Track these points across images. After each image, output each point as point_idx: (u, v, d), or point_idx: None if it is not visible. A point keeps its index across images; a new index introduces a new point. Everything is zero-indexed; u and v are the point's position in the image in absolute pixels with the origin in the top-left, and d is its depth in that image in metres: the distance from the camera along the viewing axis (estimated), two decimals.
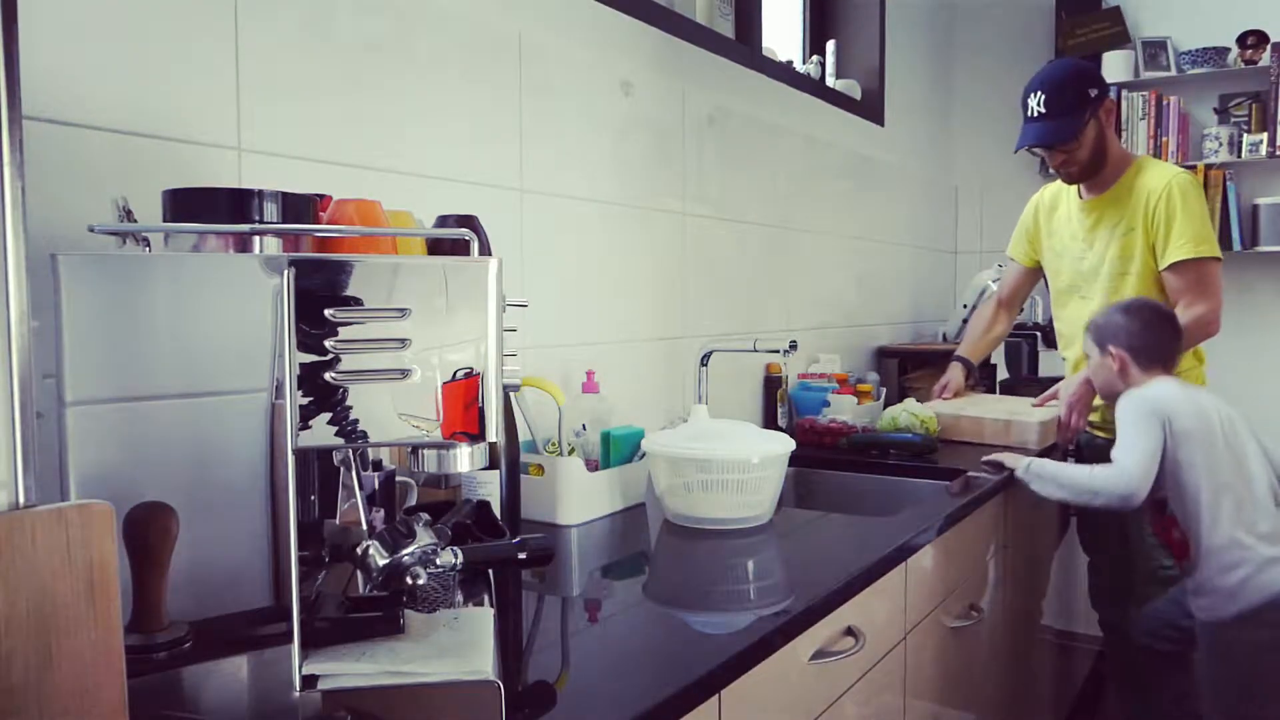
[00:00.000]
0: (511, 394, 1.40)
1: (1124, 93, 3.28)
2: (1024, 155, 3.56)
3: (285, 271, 0.71)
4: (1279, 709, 1.73)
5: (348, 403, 0.72)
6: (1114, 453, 1.84)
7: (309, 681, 0.73)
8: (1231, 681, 1.77)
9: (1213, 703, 1.81)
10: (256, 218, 0.80)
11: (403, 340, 0.73)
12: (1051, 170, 2.25)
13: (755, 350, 1.93)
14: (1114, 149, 2.22)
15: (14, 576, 0.57)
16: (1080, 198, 2.28)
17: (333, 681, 0.74)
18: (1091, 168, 2.19)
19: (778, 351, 1.90)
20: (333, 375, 0.72)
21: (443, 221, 1.01)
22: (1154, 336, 1.96)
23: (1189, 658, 1.90)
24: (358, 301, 0.72)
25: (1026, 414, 2.24)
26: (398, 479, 1.21)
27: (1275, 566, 1.70)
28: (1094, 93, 2.14)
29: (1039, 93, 2.13)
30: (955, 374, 2.51)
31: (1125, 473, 1.78)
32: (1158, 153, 3.25)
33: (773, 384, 2.41)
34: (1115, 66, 3.33)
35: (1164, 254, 2.12)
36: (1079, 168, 2.18)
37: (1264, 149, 3.10)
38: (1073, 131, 2.11)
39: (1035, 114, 2.14)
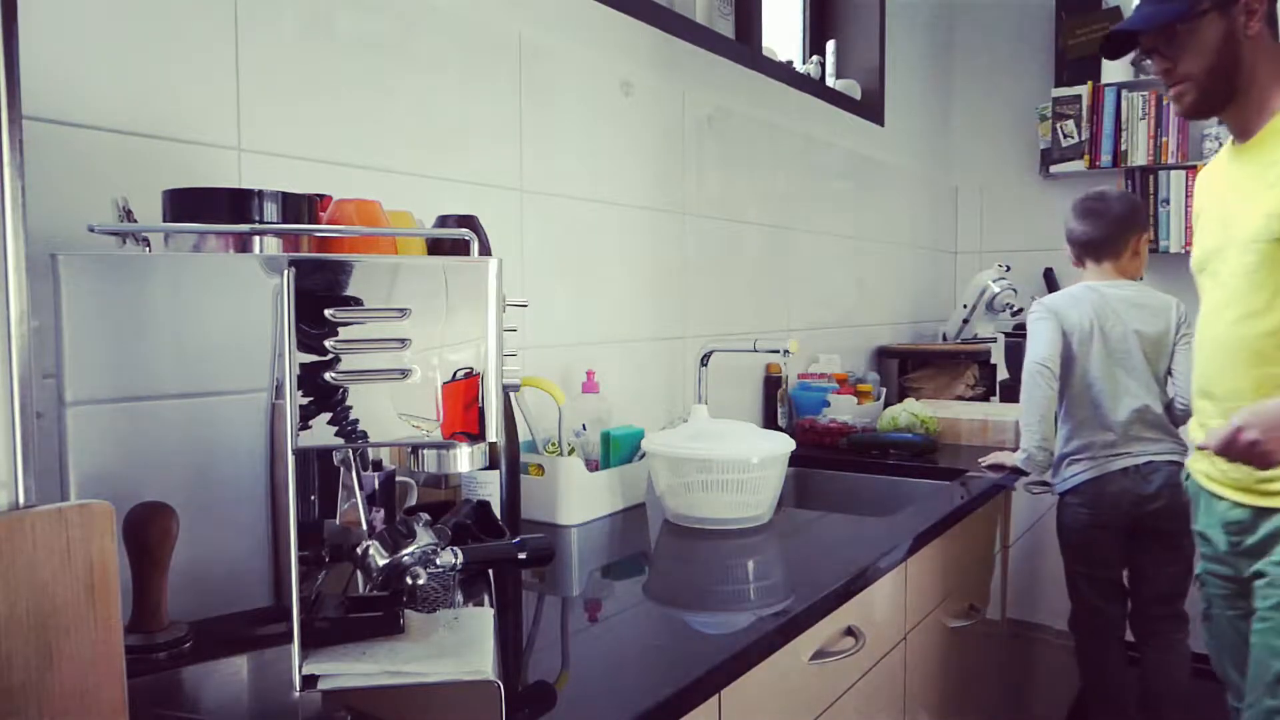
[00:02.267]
0: (511, 394, 1.40)
1: (1124, 93, 3.27)
2: (1023, 155, 3.61)
3: (285, 271, 0.71)
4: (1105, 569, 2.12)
5: (348, 403, 0.72)
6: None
7: (309, 681, 0.73)
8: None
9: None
10: (256, 218, 0.80)
11: (403, 340, 0.73)
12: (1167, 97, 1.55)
13: (755, 350, 1.93)
14: (1262, 67, 1.44)
15: (14, 576, 0.57)
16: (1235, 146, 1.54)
17: (333, 681, 0.74)
18: (1216, 91, 1.46)
19: (778, 351, 1.91)
20: (333, 375, 0.72)
21: (443, 221, 1.01)
22: (1086, 227, 2.10)
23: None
24: (358, 301, 0.72)
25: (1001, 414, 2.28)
26: (398, 479, 1.21)
27: (1108, 462, 2.02)
28: None
29: None
30: None
31: (1032, 354, 2.02)
32: (1157, 153, 3.23)
33: (773, 384, 2.41)
34: (1115, 66, 3.32)
35: None
36: (1195, 86, 1.46)
37: None
38: (1175, 11, 1.43)
39: None
